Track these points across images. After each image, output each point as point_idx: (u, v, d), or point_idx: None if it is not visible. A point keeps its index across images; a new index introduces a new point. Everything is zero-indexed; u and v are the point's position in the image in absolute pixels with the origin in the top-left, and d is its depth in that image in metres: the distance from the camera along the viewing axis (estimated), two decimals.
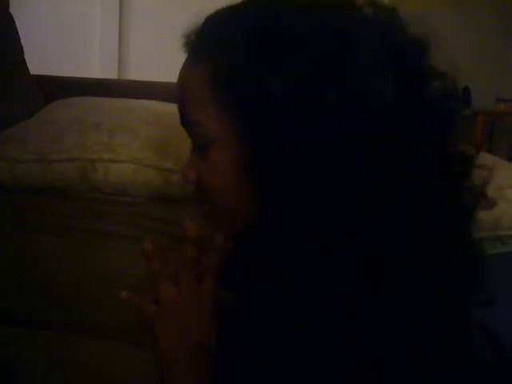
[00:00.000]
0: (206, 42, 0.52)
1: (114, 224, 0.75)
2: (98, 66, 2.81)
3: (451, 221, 0.47)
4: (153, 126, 0.81)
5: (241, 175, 0.50)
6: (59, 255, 0.75)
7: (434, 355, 0.45)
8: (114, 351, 0.71)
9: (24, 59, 1.50)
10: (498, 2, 3.42)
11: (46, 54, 2.46)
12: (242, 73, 0.48)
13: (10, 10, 1.46)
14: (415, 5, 3.16)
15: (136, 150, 0.75)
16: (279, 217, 0.47)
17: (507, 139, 3.67)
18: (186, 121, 0.54)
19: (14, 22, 1.45)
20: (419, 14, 0.49)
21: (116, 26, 2.82)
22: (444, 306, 0.46)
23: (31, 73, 1.52)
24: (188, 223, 0.55)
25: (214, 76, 0.50)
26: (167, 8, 2.78)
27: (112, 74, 2.77)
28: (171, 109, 0.92)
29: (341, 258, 0.45)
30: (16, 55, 1.46)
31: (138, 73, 2.69)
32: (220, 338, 0.53)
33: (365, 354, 0.44)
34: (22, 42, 1.48)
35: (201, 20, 0.54)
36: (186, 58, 0.54)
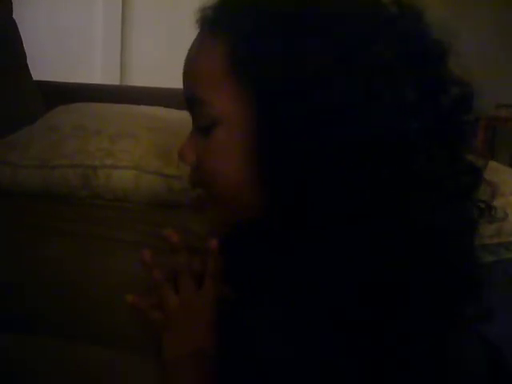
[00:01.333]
0: (226, 16, 0.49)
1: (115, 230, 0.75)
2: (99, 72, 2.82)
3: (454, 232, 0.46)
4: (155, 132, 0.81)
5: (246, 160, 0.47)
6: (60, 260, 0.75)
7: (425, 367, 0.44)
8: (114, 356, 0.71)
9: (26, 64, 1.51)
10: (499, 7, 3.42)
11: (47, 60, 2.46)
12: (265, 51, 0.45)
13: (13, 16, 1.47)
14: None
15: (138, 156, 0.75)
16: (280, 210, 0.45)
17: (509, 145, 3.67)
18: (191, 98, 0.51)
19: (16, 28, 1.45)
20: (442, 16, 0.48)
21: (118, 32, 2.83)
22: (439, 316, 0.45)
23: (33, 78, 1.53)
24: (169, 232, 0.54)
25: (233, 51, 0.47)
26: (170, 14, 2.79)
27: (114, 80, 2.78)
28: (173, 115, 0.92)
29: (342, 256, 0.44)
30: (18, 60, 1.47)
31: (139, 79, 2.70)
32: (220, 341, 0.53)
33: (359, 362, 0.44)
34: (24, 47, 1.49)
35: None
36: (199, 33, 0.51)
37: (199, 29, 0.52)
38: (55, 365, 0.72)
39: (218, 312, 0.54)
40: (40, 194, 0.76)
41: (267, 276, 0.48)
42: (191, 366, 0.53)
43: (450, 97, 0.47)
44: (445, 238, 0.45)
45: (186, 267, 0.54)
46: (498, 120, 3.48)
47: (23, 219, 0.77)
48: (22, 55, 1.49)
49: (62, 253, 0.75)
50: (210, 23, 0.50)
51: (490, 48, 3.44)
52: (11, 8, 1.47)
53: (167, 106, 0.99)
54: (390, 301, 0.44)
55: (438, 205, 0.45)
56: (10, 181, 0.76)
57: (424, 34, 0.47)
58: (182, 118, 0.63)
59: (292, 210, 0.45)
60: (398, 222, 0.44)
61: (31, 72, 1.52)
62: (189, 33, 0.54)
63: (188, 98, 0.52)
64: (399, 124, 0.43)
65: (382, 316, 0.43)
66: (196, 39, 0.52)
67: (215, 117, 0.48)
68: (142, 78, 2.70)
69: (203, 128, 0.50)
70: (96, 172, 0.75)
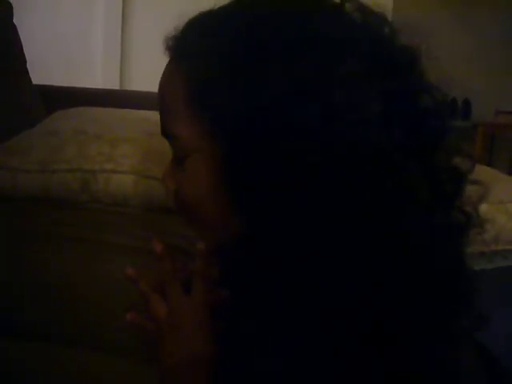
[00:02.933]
0: (183, 49, 0.50)
1: (114, 234, 0.75)
2: (99, 77, 2.82)
3: (439, 241, 0.45)
4: (154, 137, 0.81)
5: (216, 188, 0.48)
6: (59, 265, 0.75)
7: (424, 380, 0.44)
8: (114, 363, 0.71)
9: (26, 69, 1.51)
10: (499, 14, 3.44)
11: (47, 64, 2.47)
12: (218, 86, 0.45)
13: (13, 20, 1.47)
14: (416, 18, 3.18)
15: (137, 161, 0.76)
16: (258, 232, 0.46)
17: (507, 151, 3.68)
18: (164, 131, 0.53)
19: (17, 32, 1.46)
20: (411, 20, 0.46)
21: (118, 36, 2.84)
22: (431, 327, 0.45)
23: (33, 82, 1.53)
24: (154, 242, 0.55)
25: (189, 87, 0.48)
26: (170, 18, 2.80)
27: (114, 85, 2.78)
28: None
29: (325, 274, 0.44)
30: (19, 65, 1.47)
31: (139, 83, 2.70)
32: (218, 345, 0.53)
33: (357, 373, 0.44)
34: (24, 51, 1.49)
35: (183, 22, 0.51)
36: (166, 65, 0.52)
37: (170, 61, 0.51)
38: (55, 371, 0.72)
39: (213, 318, 0.54)
40: (40, 199, 0.76)
41: (257, 285, 0.48)
42: (188, 372, 0.53)
43: (421, 104, 0.46)
44: (423, 245, 0.44)
45: (172, 274, 0.55)
46: (496, 127, 3.49)
47: (23, 224, 0.77)
48: (22, 59, 1.49)
49: (62, 258, 0.75)
50: (171, 54, 0.51)
51: (490, 56, 3.46)
52: (12, 12, 1.48)
53: None
54: (377, 320, 0.43)
55: (413, 214, 0.44)
56: (10, 185, 0.76)
57: (389, 41, 0.46)
58: None
59: (264, 233, 0.46)
60: (372, 235, 0.43)
61: (31, 76, 1.53)
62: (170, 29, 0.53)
63: (162, 132, 0.53)
64: (365, 137, 0.43)
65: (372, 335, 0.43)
66: (164, 69, 0.52)
67: (185, 149, 0.50)
68: (141, 82, 2.71)
69: (178, 158, 0.52)
70: (95, 176, 0.75)
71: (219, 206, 0.49)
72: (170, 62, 0.51)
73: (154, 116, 1.02)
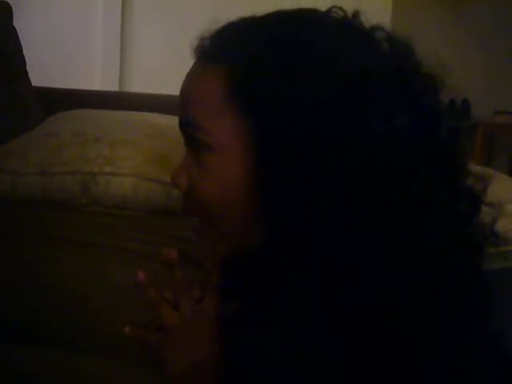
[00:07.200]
0: (223, 48, 0.50)
1: (114, 237, 0.75)
2: (99, 79, 2.82)
3: (459, 257, 0.46)
4: (154, 140, 0.81)
5: (243, 188, 0.48)
6: (60, 268, 0.75)
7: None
8: (114, 368, 0.71)
9: (26, 71, 1.51)
10: (498, 15, 3.44)
11: (47, 66, 2.47)
12: (261, 87, 0.46)
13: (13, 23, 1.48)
14: (415, 25, 3.18)
15: (137, 163, 0.76)
16: (283, 237, 0.46)
17: (507, 151, 3.68)
18: (186, 122, 0.51)
19: (17, 35, 1.46)
20: (432, 48, 0.49)
21: (117, 38, 2.84)
22: (445, 330, 0.45)
23: (32, 84, 1.53)
24: (167, 250, 0.54)
25: (230, 86, 0.48)
26: (170, 21, 2.80)
27: (113, 87, 2.78)
28: (173, 122, 0.92)
29: (350, 275, 0.44)
30: (18, 67, 1.47)
31: (139, 85, 2.70)
32: (224, 353, 0.53)
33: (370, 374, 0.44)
34: (23, 53, 1.50)
35: (216, 26, 0.52)
36: (198, 61, 0.52)
37: (197, 57, 0.52)
38: (55, 376, 0.71)
39: (222, 326, 0.54)
40: (40, 201, 0.76)
41: (269, 293, 0.48)
42: (196, 379, 0.53)
43: (444, 129, 0.48)
44: (446, 261, 0.45)
45: (185, 283, 0.55)
46: (495, 126, 3.49)
47: (23, 226, 0.77)
48: (22, 61, 1.50)
49: (62, 260, 0.75)
50: (208, 53, 0.51)
51: (489, 56, 3.46)
52: (11, 15, 1.48)
53: (167, 112, 0.99)
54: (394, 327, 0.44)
55: (437, 230, 0.45)
56: (10, 188, 0.76)
57: (415, 69, 0.49)
58: None
59: (292, 235, 0.45)
60: (398, 249, 0.44)
61: (30, 78, 1.53)
62: (188, 40, 0.54)
63: (183, 122, 0.51)
64: (397, 147, 0.45)
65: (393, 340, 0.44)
66: (195, 67, 0.52)
67: (211, 143, 0.49)
68: (141, 84, 2.71)
69: (198, 153, 0.50)
70: (95, 179, 0.75)
71: (243, 208, 0.48)
72: (201, 60, 0.52)
73: (154, 118, 1.02)
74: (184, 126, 0.51)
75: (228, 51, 0.49)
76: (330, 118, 0.44)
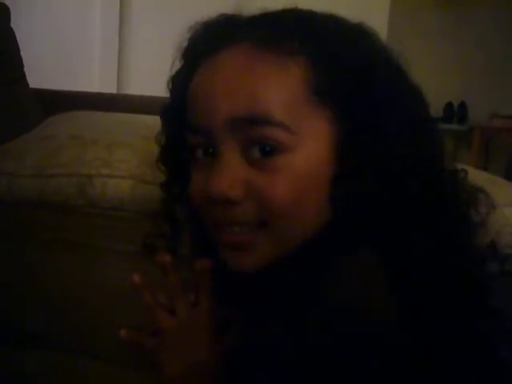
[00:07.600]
0: (302, 38, 0.47)
1: (111, 239, 0.75)
2: (97, 81, 2.82)
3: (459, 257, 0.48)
4: (152, 142, 0.81)
5: (318, 185, 0.47)
6: (57, 270, 0.75)
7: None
8: (114, 371, 0.71)
9: (24, 73, 1.51)
10: (497, 16, 3.45)
11: (45, 67, 2.47)
12: (347, 81, 0.46)
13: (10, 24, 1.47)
14: (415, 34, 3.18)
15: (135, 165, 0.76)
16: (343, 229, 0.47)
17: (503, 155, 3.68)
18: (257, 119, 0.45)
19: (14, 36, 1.46)
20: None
21: (116, 41, 2.84)
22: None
23: (30, 86, 1.53)
24: (161, 255, 0.54)
25: (313, 78, 0.46)
26: (168, 22, 2.80)
27: (111, 89, 2.78)
28: None
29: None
30: (16, 69, 1.47)
31: (136, 87, 2.70)
32: (224, 355, 0.53)
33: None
34: (21, 55, 1.49)
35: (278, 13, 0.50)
36: (256, 52, 0.47)
37: (254, 46, 0.47)
38: (55, 379, 0.71)
39: (219, 327, 0.54)
40: (36, 204, 0.76)
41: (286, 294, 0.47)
42: (195, 381, 0.53)
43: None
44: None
45: (180, 287, 0.55)
46: (492, 130, 3.50)
47: (19, 229, 0.77)
48: (20, 63, 1.49)
49: (59, 262, 0.75)
50: (270, 41, 0.47)
51: (486, 59, 3.47)
52: (9, 16, 1.48)
53: None
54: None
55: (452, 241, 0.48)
56: (7, 189, 0.76)
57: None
58: None
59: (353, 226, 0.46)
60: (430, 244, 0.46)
61: (28, 80, 1.53)
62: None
63: (261, 120, 0.45)
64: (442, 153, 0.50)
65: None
66: (254, 58, 0.47)
67: (286, 143, 0.45)
68: (139, 86, 2.71)
69: (266, 154, 0.46)
70: (92, 181, 0.75)
71: (317, 203, 0.48)
72: (270, 49, 0.47)
73: (152, 120, 1.02)
74: (261, 124, 0.45)
75: (307, 45, 0.47)
76: (406, 119, 0.47)
